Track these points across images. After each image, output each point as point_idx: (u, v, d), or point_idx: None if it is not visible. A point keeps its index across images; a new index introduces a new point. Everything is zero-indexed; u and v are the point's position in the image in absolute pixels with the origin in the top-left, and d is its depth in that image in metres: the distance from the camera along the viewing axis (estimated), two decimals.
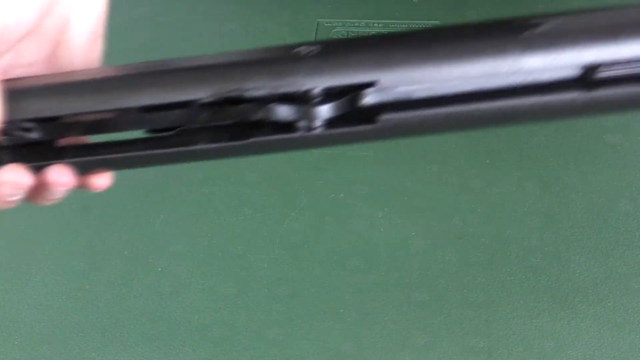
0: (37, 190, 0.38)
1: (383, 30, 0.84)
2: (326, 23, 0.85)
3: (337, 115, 0.37)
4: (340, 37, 0.83)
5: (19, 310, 0.64)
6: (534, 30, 0.37)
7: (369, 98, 0.36)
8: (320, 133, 0.37)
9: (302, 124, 0.37)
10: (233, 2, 0.89)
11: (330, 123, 0.37)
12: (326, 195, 0.70)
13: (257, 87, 0.36)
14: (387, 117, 0.36)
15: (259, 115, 0.37)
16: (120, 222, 0.70)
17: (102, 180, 0.41)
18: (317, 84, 0.36)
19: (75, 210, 0.71)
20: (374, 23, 0.85)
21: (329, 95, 0.36)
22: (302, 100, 0.36)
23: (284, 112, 0.37)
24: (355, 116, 0.37)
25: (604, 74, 0.36)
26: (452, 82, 0.36)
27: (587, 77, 0.36)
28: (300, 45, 0.36)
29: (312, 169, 0.72)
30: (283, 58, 0.37)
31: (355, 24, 0.85)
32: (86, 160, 0.40)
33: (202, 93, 0.37)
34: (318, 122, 0.37)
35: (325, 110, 0.37)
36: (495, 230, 0.67)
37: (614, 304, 0.62)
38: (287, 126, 0.37)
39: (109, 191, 0.75)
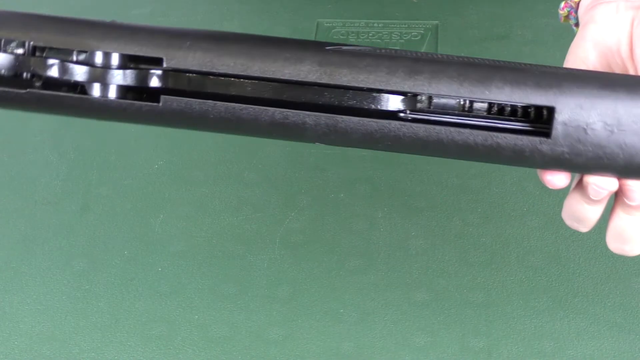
0: None
1: (383, 31, 0.84)
2: (326, 23, 0.85)
3: (128, 85, 0.37)
4: (339, 36, 0.84)
5: (19, 310, 0.64)
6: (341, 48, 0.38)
7: (156, 76, 0.37)
8: (109, 100, 0.37)
9: (94, 87, 0.37)
10: (233, 2, 0.89)
11: (122, 93, 0.37)
12: (326, 195, 0.70)
13: (45, 40, 0.37)
14: (168, 98, 0.37)
15: (52, 72, 0.37)
16: (120, 222, 0.70)
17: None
18: (110, 48, 0.37)
19: (75, 210, 0.71)
20: (374, 23, 0.85)
21: (125, 65, 0.37)
22: (97, 63, 0.37)
23: (77, 71, 0.37)
24: (144, 92, 0.37)
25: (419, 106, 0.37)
26: (248, 81, 0.37)
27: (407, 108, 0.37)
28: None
29: (312, 169, 0.72)
30: (81, 21, 0.37)
31: (355, 24, 0.85)
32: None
33: None
34: (110, 89, 0.37)
35: (116, 76, 0.37)
36: (495, 230, 0.67)
37: (614, 304, 0.62)
38: (80, 87, 0.37)
39: (109, 191, 0.76)
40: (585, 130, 0.37)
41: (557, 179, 0.40)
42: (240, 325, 0.62)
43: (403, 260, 0.65)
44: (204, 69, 0.37)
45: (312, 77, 0.37)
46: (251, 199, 0.70)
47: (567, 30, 0.83)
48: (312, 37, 0.83)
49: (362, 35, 0.83)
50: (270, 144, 0.74)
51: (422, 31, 0.83)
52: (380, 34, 0.83)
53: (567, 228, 0.67)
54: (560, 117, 0.37)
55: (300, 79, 0.37)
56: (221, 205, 0.70)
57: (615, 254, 0.65)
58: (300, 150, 0.73)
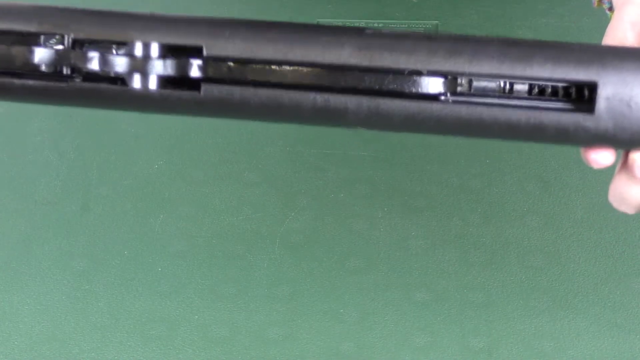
0: None
1: None
2: (326, 23, 0.85)
3: (169, 75, 0.37)
4: None
5: (19, 310, 0.64)
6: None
7: (197, 66, 0.37)
8: (150, 91, 0.37)
9: (135, 78, 0.37)
10: (233, 2, 0.89)
11: (162, 83, 0.37)
12: (326, 195, 0.70)
13: (85, 33, 0.37)
14: (209, 87, 0.37)
15: (92, 65, 0.37)
16: (120, 222, 0.70)
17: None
18: (150, 39, 0.37)
19: (75, 210, 0.71)
20: (373, 23, 0.85)
21: (164, 55, 0.37)
22: (137, 55, 0.37)
23: (117, 62, 0.37)
24: (185, 82, 0.37)
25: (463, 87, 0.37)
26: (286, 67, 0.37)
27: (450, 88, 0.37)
28: None
29: (312, 169, 0.72)
30: (120, 13, 0.38)
31: (355, 24, 0.85)
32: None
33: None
34: (150, 79, 0.37)
35: (156, 66, 0.37)
36: (495, 230, 0.67)
37: (614, 304, 0.62)
38: (121, 79, 0.37)
39: (109, 191, 0.76)
40: (629, 104, 0.37)
41: (602, 157, 0.40)
42: (240, 325, 0.62)
43: (403, 260, 0.65)
44: (244, 56, 0.37)
45: (352, 61, 0.37)
46: (251, 199, 0.70)
47: (566, 30, 0.83)
48: None
49: None
50: (270, 144, 0.74)
51: (422, 31, 0.83)
52: None
53: (567, 228, 0.67)
54: (603, 92, 0.37)
55: (340, 63, 0.37)
56: (221, 205, 0.70)
57: (615, 255, 0.65)
58: (300, 150, 0.73)
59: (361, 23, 0.85)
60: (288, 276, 0.65)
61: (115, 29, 0.37)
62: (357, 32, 0.38)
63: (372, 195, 0.70)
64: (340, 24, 0.85)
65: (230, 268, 0.66)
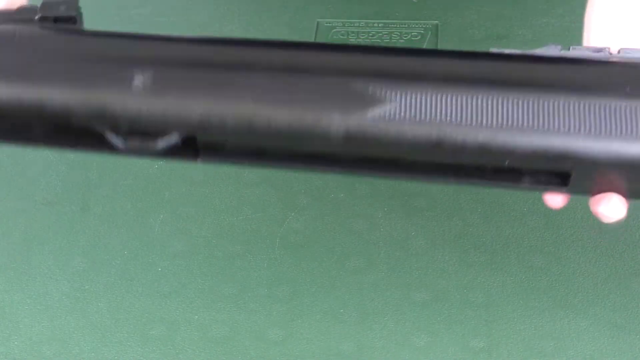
0: None
1: (383, 30, 0.84)
2: (326, 23, 0.85)
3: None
4: (339, 36, 0.84)
5: (19, 310, 0.64)
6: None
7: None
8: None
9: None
10: (233, 2, 0.89)
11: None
12: (326, 195, 0.70)
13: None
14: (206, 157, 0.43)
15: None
16: (120, 222, 0.70)
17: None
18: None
19: (75, 210, 0.71)
20: (374, 23, 0.85)
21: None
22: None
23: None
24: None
25: None
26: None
27: None
28: None
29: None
30: None
31: (355, 24, 0.85)
32: None
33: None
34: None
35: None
36: (495, 230, 0.67)
37: (614, 304, 0.62)
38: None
39: (109, 191, 0.76)
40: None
41: (554, 201, 0.44)
42: (240, 325, 0.62)
43: (403, 260, 0.65)
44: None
45: None
46: (251, 199, 0.70)
47: (567, 30, 0.83)
48: (312, 38, 0.83)
49: (362, 35, 0.83)
50: None
51: (422, 31, 0.83)
52: (380, 34, 0.83)
53: (567, 228, 0.67)
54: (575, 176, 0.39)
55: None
56: (221, 205, 0.70)
57: (615, 255, 0.65)
58: None
59: (361, 23, 0.85)
60: (288, 276, 0.65)
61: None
62: None
63: (372, 195, 0.70)
64: (340, 24, 0.85)
65: (230, 268, 0.66)
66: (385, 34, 0.83)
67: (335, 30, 0.84)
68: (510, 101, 0.37)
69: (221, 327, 0.63)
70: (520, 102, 0.37)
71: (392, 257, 0.66)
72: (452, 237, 0.67)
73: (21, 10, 0.43)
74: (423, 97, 0.37)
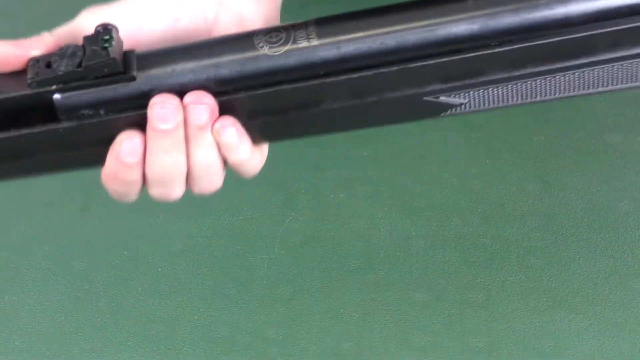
0: None
1: None
2: None
3: None
4: None
5: (19, 310, 0.64)
6: None
7: None
8: None
9: None
10: None
11: None
12: (326, 195, 0.70)
13: None
14: None
15: None
16: (120, 222, 0.70)
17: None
18: None
19: (75, 210, 0.71)
20: None
21: None
22: None
23: None
24: None
25: None
26: None
27: None
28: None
29: (312, 169, 0.72)
30: None
31: None
32: None
33: None
34: None
35: None
36: (495, 230, 0.67)
37: (614, 304, 0.62)
38: None
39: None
40: None
41: None
42: (240, 325, 0.62)
43: (403, 260, 0.65)
44: None
45: None
46: (251, 199, 0.70)
47: None
48: None
49: None
50: (270, 144, 0.73)
51: None
52: None
53: (567, 228, 0.67)
54: None
55: None
56: (221, 205, 0.70)
57: (615, 255, 0.65)
58: (300, 150, 0.73)
59: None
60: (288, 276, 0.65)
61: None
62: None
63: (372, 195, 0.70)
64: None
65: (230, 268, 0.66)
66: None
67: None
68: None
69: (221, 327, 0.62)
70: None
71: (392, 257, 0.66)
72: (452, 237, 0.67)
73: None
74: None
